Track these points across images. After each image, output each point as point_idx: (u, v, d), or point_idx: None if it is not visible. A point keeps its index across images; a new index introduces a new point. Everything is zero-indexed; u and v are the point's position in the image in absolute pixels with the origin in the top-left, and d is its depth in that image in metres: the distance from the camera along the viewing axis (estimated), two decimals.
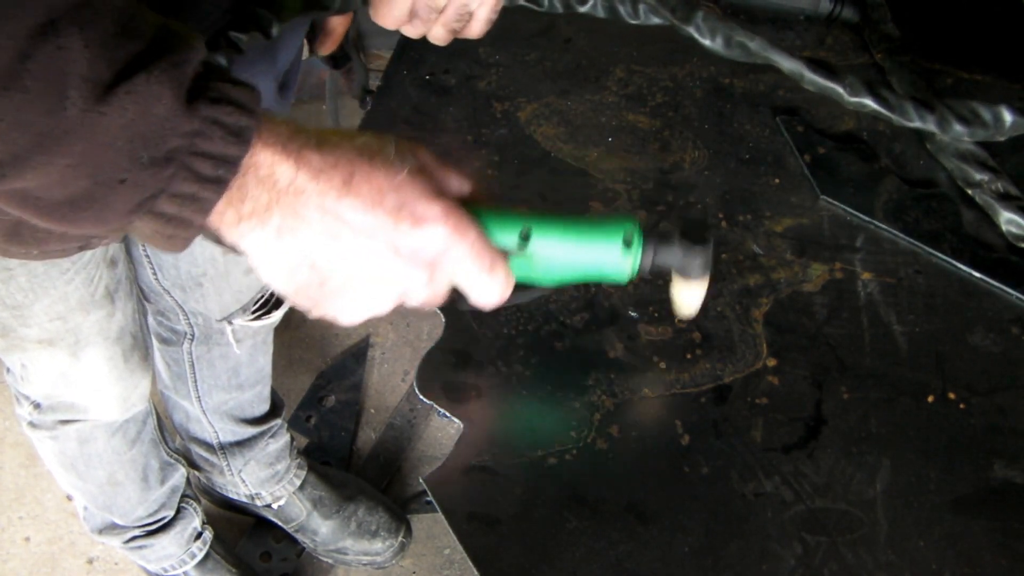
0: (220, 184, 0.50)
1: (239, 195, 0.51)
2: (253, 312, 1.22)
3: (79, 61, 0.45)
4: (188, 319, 1.25)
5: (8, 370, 1.14)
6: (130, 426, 1.25)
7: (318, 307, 0.57)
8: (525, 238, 0.63)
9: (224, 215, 0.52)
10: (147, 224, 0.50)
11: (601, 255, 0.66)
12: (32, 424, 1.19)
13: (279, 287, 0.56)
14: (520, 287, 0.64)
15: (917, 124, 0.98)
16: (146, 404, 1.24)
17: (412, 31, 0.76)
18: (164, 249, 0.52)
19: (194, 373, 1.34)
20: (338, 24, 0.85)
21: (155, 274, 1.16)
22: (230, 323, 1.23)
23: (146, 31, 0.48)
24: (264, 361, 1.39)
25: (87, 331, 1.02)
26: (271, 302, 1.23)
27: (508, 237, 0.63)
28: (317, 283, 0.55)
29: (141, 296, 1.22)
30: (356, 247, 0.54)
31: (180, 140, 0.48)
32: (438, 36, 0.77)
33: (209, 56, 0.51)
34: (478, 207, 0.62)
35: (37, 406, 1.16)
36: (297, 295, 0.57)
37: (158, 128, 0.47)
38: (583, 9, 0.84)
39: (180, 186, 0.49)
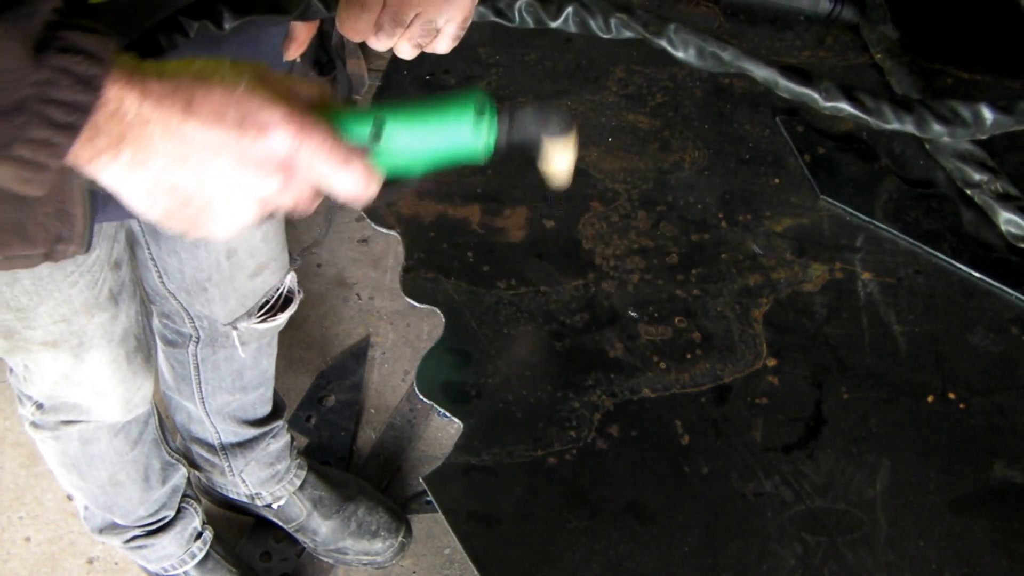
0: (73, 129, 0.51)
1: (91, 133, 0.53)
2: (259, 316, 1.22)
3: None
4: (193, 322, 1.25)
5: (11, 370, 1.14)
6: (132, 427, 1.25)
7: (190, 228, 0.59)
8: (377, 129, 0.64)
9: (80, 154, 0.53)
10: (4, 169, 0.52)
11: (456, 132, 0.67)
12: (34, 424, 1.19)
13: (147, 214, 0.58)
14: (390, 182, 0.65)
15: (895, 126, 0.98)
16: (148, 405, 1.24)
17: (378, 44, 0.77)
18: (25, 192, 0.54)
19: (198, 375, 1.34)
20: (302, 30, 0.86)
21: (160, 277, 1.16)
22: (235, 327, 1.23)
23: None
24: (268, 363, 1.39)
25: (91, 333, 1.02)
26: (277, 305, 1.23)
27: (361, 133, 0.64)
28: (181, 206, 0.58)
29: (146, 298, 1.22)
30: (206, 165, 0.56)
31: (30, 89, 0.49)
32: (404, 51, 0.78)
33: (60, 4, 0.52)
34: (328, 110, 0.63)
35: (40, 406, 1.16)
36: (166, 220, 0.59)
37: (6, 79, 0.48)
38: (555, 25, 0.84)
39: (33, 132, 0.50)
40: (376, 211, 1.01)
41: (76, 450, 1.23)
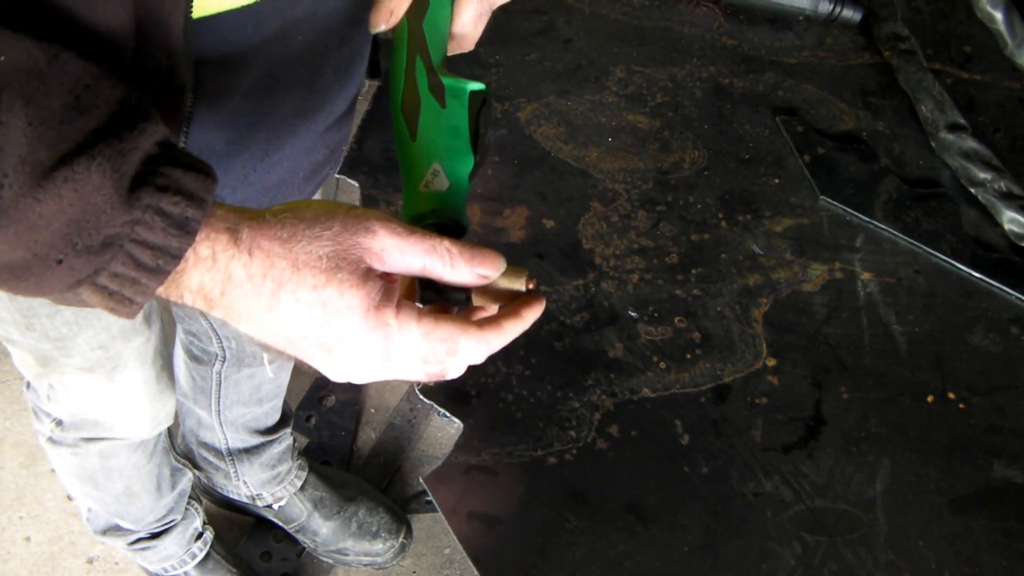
0: (160, 273, 0.49)
1: (183, 278, 0.50)
2: None
3: (20, 141, 0.43)
4: (221, 342, 1.24)
5: (28, 385, 1.13)
6: (150, 440, 1.25)
7: (302, 362, 0.56)
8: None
9: (170, 291, 0.51)
10: (91, 295, 0.50)
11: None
12: (52, 440, 1.18)
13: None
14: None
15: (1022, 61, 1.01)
16: (171, 421, 1.23)
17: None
18: (116, 317, 0.52)
19: (219, 391, 1.34)
20: None
21: None
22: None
23: (101, 107, 0.46)
24: (285, 376, 1.39)
25: (126, 357, 1.01)
26: None
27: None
28: (289, 349, 0.55)
29: (173, 316, 1.21)
30: (294, 341, 0.53)
31: (118, 228, 0.47)
32: None
33: (167, 137, 0.49)
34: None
35: (59, 423, 1.15)
36: (275, 351, 0.56)
37: (95, 217, 0.46)
38: None
39: (118, 268, 0.48)
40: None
41: (95, 464, 1.23)
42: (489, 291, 0.60)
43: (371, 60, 0.89)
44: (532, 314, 0.60)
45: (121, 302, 0.49)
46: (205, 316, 1.18)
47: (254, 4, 0.63)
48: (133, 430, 1.15)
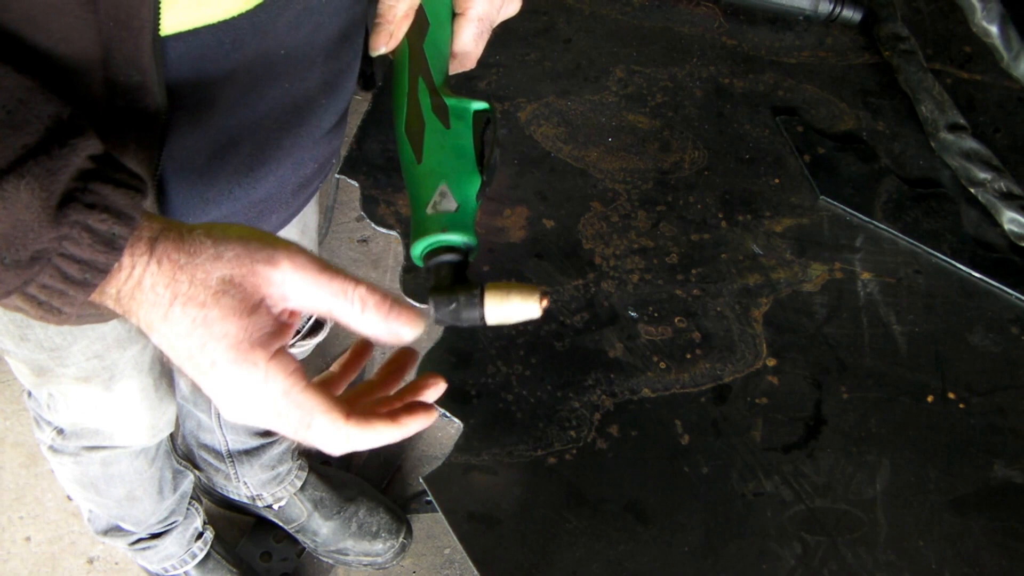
0: (87, 285, 0.49)
1: (106, 286, 0.51)
2: (290, 343, 1.21)
3: None
4: None
5: (29, 394, 1.13)
6: (151, 446, 1.25)
7: (210, 393, 0.55)
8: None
9: (93, 296, 0.51)
10: (21, 303, 0.50)
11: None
12: (53, 449, 1.18)
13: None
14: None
15: (1021, 73, 1.02)
16: (172, 428, 1.23)
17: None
18: (50, 323, 0.52)
19: None
20: (391, 16, 0.69)
21: None
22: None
23: (33, 122, 0.46)
24: None
25: (123, 366, 1.01)
26: (306, 330, 1.23)
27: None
28: (195, 372, 0.54)
29: None
30: (194, 359, 0.53)
31: (46, 244, 0.47)
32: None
33: (101, 151, 0.49)
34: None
35: (60, 432, 1.15)
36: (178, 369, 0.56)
37: (23, 234, 0.46)
38: None
39: (46, 280, 0.48)
40: (376, 211, 1.02)
41: (96, 471, 1.22)
42: (503, 309, 0.59)
43: (365, 72, 0.88)
44: (414, 424, 0.57)
45: (50, 311, 0.50)
46: None
47: (231, 20, 0.61)
48: (133, 438, 1.15)
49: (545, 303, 0.59)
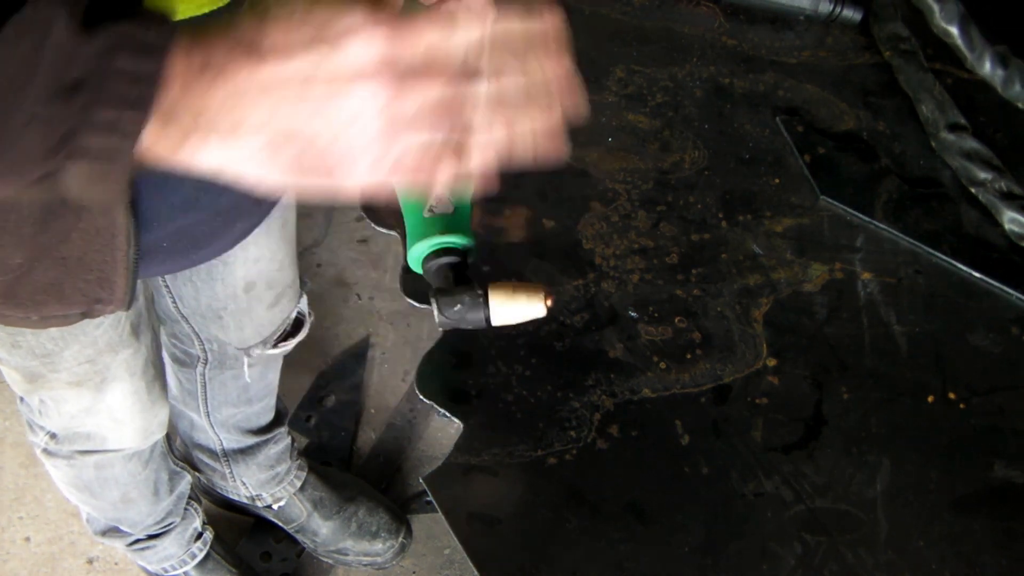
0: (142, 105, 0.45)
1: (167, 115, 0.46)
2: (273, 343, 1.22)
3: None
4: (203, 345, 1.24)
5: (21, 399, 1.13)
6: (145, 449, 1.25)
7: (327, 181, 0.49)
8: None
9: (162, 138, 0.47)
10: (77, 167, 0.46)
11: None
12: (47, 452, 1.18)
13: (277, 183, 0.49)
14: None
15: (986, 72, 1.02)
16: (165, 430, 1.23)
17: None
18: (103, 197, 0.47)
19: (205, 392, 1.34)
20: None
21: (175, 303, 1.15)
22: (248, 354, 1.22)
23: None
24: (273, 376, 1.38)
25: (114, 370, 1.01)
26: (288, 329, 1.23)
27: None
28: (302, 156, 0.48)
29: (156, 320, 1.21)
30: (301, 103, 0.47)
31: (85, 64, 0.43)
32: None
33: None
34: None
35: (53, 436, 1.15)
36: (299, 179, 0.49)
37: (56, 57, 0.42)
38: None
39: (99, 114, 0.44)
40: (376, 211, 1.01)
41: (90, 475, 1.22)
42: (508, 309, 0.58)
43: None
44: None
45: (107, 161, 0.45)
46: (187, 320, 1.18)
47: (202, 16, 0.60)
48: (125, 441, 1.15)
49: (550, 302, 0.59)
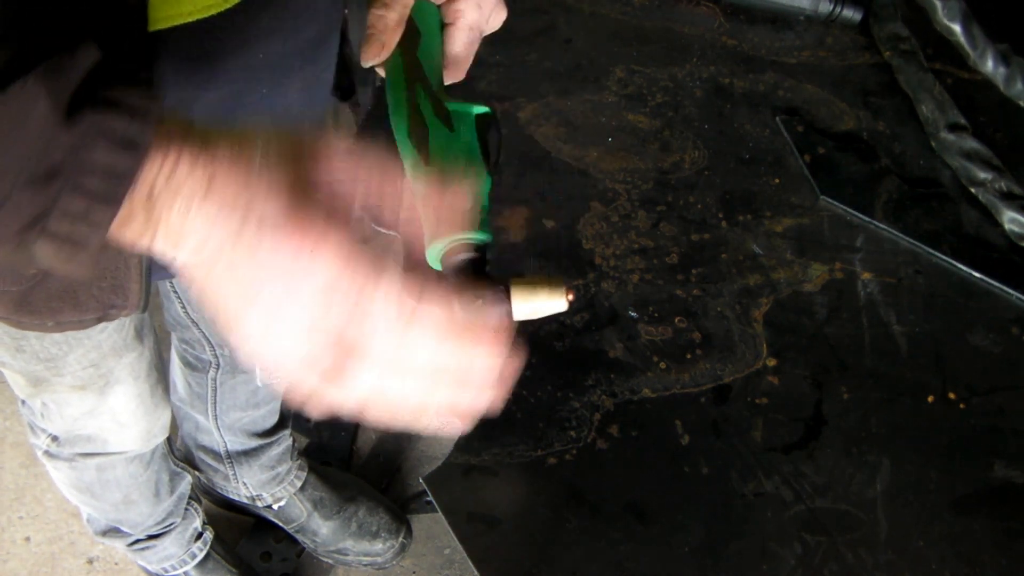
0: (112, 200, 0.44)
1: (129, 211, 0.45)
2: None
3: None
4: (215, 350, 1.24)
5: (23, 402, 1.12)
6: (146, 451, 1.25)
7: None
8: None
9: (127, 227, 0.46)
10: (44, 246, 0.45)
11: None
12: (48, 454, 1.18)
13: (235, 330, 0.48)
14: None
15: (988, 70, 1.02)
16: (167, 433, 1.23)
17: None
18: (68, 273, 0.47)
19: (215, 396, 1.34)
20: (382, 26, 0.68)
21: (184, 308, 1.15)
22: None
23: (33, 31, 0.43)
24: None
25: (118, 374, 1.00)
26: None
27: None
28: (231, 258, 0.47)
29: (166, 325, 1.21)
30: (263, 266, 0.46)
31: (62, 154, 0.43)
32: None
33: (105, 56, 0.45)
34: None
35: (55, 439, 1.15)
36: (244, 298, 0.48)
37: (35, 143, 0.42)
38: None
39: (68, 204, 0.44)
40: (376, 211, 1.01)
41: (91, 477, 1.22)
42: (530, 304, 0.58)
43: (342, 84, 0.87)
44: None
45: (74, 248, 0.45)
46: (197, 325, 1.18)
47: (210, 19, 0.60)
48: (127, 444, 1.15)
49: (571, 296, 0.58)
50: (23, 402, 1.12)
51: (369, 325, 0.48)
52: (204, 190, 0.46)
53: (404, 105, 0.67)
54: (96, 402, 1.03)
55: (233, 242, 0.46)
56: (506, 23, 0.78)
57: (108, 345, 0.96)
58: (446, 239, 0.61)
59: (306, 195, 0.47)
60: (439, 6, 0.72)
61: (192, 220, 0.46)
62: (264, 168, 0.47)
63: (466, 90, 1.12)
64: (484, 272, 0.61)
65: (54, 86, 0.42)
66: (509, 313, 0.57)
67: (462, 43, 0.72)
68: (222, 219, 0.46)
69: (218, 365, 1.27)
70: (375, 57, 0.68)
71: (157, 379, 1.10)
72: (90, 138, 0.43)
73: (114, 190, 0.44)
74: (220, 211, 0.46)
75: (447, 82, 0.73)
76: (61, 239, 0.45)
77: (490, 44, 0.75)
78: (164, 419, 1.17)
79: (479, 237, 0.61)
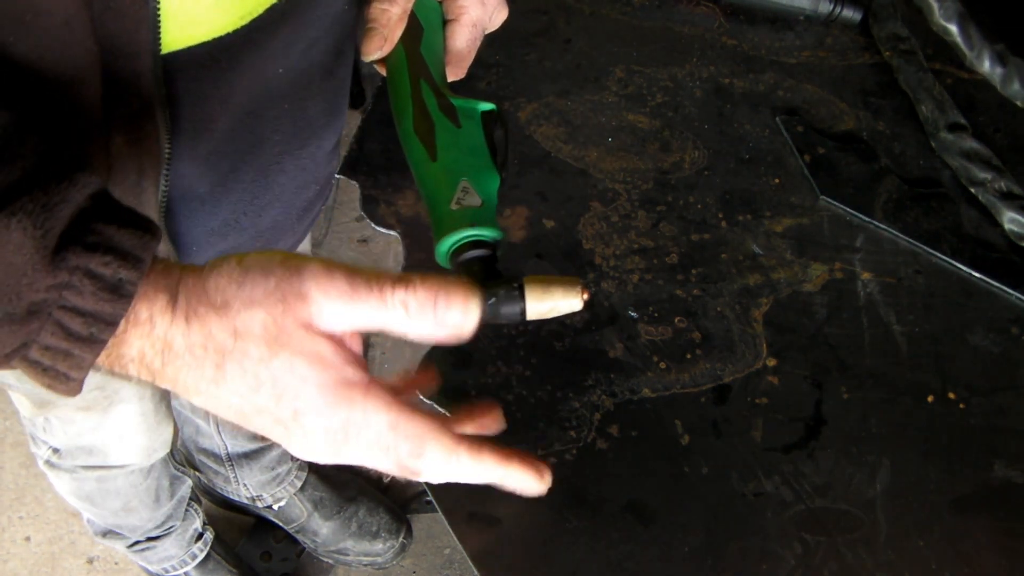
0: (94, 342, 0.43)
1: (123, 347, 0.45)
2: None
3: None
4: None
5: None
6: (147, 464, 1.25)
7: (280, 435, 0.48)
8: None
9: (112, 362, 0.46)
10: (25, 370, 0.45)
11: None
12: (50, 464, 1.18)
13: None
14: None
15: (985, 69, 1.02)
16: (168, 448, 1.22)
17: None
18: (59, 393, 0.46)
19: None
20: (385, 20, 0.67)
21: None
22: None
23: (25, 156, 0.41)
24: None
25: (124, 393, 1.00)
26: None
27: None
28: (243, 420, 0.48)
29: None
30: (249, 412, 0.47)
31: (44, 294, 0.41)
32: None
33: (102, 189, 0.43)
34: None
35: (56, 451, 1.15)
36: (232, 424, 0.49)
37: (15, 281, 0.40)
38: None
39: (48, 340, 0.43)
40: (376, 211, 1.01)
41: (92, 486, 1.22)
42: (544, 303, 0.56)
43: (353, 90, 0.86)
44: (522, 472, 0.52)
45: (57, 378, 0.44)
46: None
47: (225, 36, 0.59)
48: (128, 459, 1.15)
49: (586, 295, 0.57)
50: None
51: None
52: (211, 366, 0.45)
53: (407, 100, 0.66)
54: (100, 420, 1.03)
55: (214, 377, 0.45)
56: (506, 23, 0.78)
57: None
58: (455, 236, 0.59)
59: (288, 312, 0.46)
60: (441, 2, 0.72)
61: (173, 361, 0.45)
62: (275, 333, 0.45)
63: (466, 89, 1.12)
64: (496, 270, 0.59)
65: (41, 223, 0.40)
66: (523, 312, 0.56)
67: (465, 39, 0.72)
68: (201, 359, 0.45)
69: None
70: (377, 51, 0.67)
71: (161, 397, 1.10)
72: (77, 280, 0.42)
73: (97, 333, 0.43)
74: (205, 345, 0.45)
75: (448, 79, 0.73)
76: (44, 367, 0.44)
77: (490, 44, 0.75)
78: (166, 436, 1.17)
79: (490, 234, 0.60)
